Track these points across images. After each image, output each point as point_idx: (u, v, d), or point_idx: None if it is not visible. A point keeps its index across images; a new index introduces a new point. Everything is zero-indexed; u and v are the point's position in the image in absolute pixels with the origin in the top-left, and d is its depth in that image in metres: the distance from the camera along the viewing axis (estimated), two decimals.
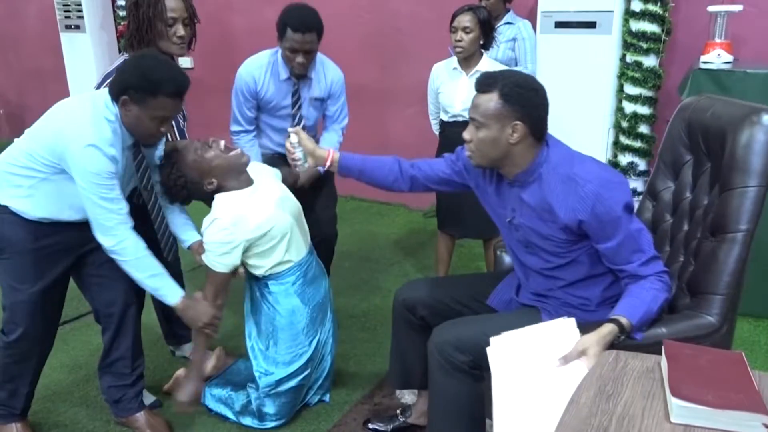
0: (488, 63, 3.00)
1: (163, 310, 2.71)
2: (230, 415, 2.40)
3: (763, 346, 2.86)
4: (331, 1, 4.72)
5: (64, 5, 5.47)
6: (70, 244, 2.12)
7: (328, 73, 2.82)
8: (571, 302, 1.86)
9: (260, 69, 2.71)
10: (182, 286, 2.68)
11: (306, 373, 2.34)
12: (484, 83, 1.74)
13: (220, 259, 2.13)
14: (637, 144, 3.56)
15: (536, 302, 1.92)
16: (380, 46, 4.68)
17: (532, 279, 1.92)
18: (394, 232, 4.39)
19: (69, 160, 1.92)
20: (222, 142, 2.17)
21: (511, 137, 1.72)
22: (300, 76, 2.71)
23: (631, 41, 3.45)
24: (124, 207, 1.99)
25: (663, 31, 3.42)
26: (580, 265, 1.81)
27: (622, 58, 3.53)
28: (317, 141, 2.79)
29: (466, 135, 1.78)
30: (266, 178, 2.31)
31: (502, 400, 1.55)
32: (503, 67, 2.97)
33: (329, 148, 2.09)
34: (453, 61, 3.05)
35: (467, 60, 2.98)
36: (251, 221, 2.12)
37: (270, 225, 2.15)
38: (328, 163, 2.03)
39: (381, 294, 3.44)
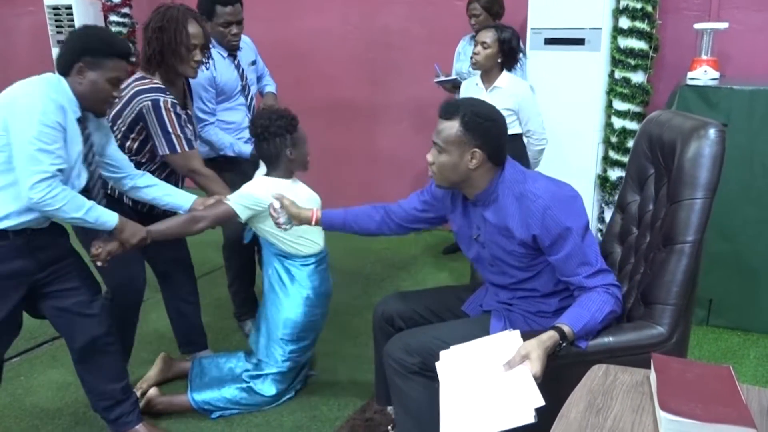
0: (507, 80, 3.07)
1: (177, 319, 2.83)
2: (232, 405, 2.52)
3: (752, 360, 2.87)
4: (321, 16, 4.77)
5: (56, 20, 5.47)
6: (23, 269, 2.06)
7: (243, 38, 3.05)
8: (530, 310, 1.96)
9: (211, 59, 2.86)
10: (196, 291, 2.84)
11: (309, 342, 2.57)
12: (447, 110, 1.84)
13: (242, 201, 2.37)
14: (626, 159, 3.58)
15: (494, 308, 2.01)
16: (371, 62, 4.71)
17: (499, 291, 2.02)
18: (386, 248, 4.39)
19: (16, 113, 1.91)
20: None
21: (470, 163, 1.83)
22: (235, 48, 2.95)
23: (620, 58, 3.49)
24: (59, 164, 1.95)
25: (651, 47, 3.46)
26: (544, 277, 1.90)
27: (611, 75, 3.57)
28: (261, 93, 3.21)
29: (429, 157, 1.89)
30: (301, 183, 2.58)
31: (448, 404, 1.62)
32: (523, 85, 3.10)
33: (313, 208, 2.23)
34: (477, 77, 3.18)
35: (487, 75, 3.09)
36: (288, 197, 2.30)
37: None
38: (313, 222, 2.19)
39: (372, 309, 3.42)
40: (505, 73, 3.10)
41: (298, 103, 5.00)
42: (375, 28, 4.63)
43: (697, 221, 1.79)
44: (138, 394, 2.50)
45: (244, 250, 3.03)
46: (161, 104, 2.35)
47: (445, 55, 3.94)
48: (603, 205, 3.74)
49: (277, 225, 2.21)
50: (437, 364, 1.76)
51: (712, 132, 1.80)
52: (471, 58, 3.08)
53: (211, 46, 2.81)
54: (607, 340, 1.79)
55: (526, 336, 1.77)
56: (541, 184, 1.83)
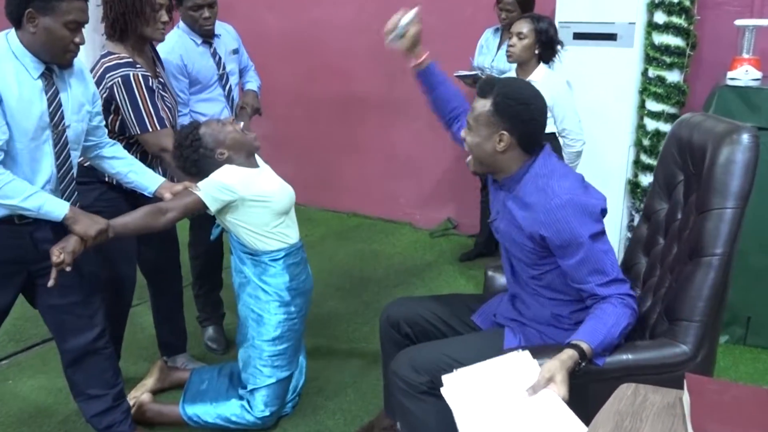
0: (543, 74, 3.06)
1: (164, 321, 2.86)
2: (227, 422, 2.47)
3: None
4: (337, 9, 4.78)
5: None
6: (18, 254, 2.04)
7: (223, 25, 3.09)
8: (542, 319, 1.95)
9: (181, 46, 2.88)
10: (181, 303, 2.84)
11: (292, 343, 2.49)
12: (483, 87, 1.86)
13: (211, 191, 2.26)
14: None
15: (508, 321, 2.01)
16: (387, 55, 4.68)
17: (512, 285, 2.04)
18: (399, 252, 4.38)
19: None
20: (242, 124, 2.40)
21: (498, 145, 1.84)
22: (210, 33, 2.96)
23: (654, 55, 3.46)
24: None
25: (688, 45, 3.43)
26: (553, 279, 1.90)
27: (644, 73, 3.54)
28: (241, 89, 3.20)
29: (462, 133, 1.93)
30: (270, 171, 2.48)
31: (467, 429, 1.58)
32: (559, 80, 3.09)
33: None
34: (512, 71, 3.18)
35: (522, 68, 3.09)
36: (256, 185, 2.32)
37: (271, 196, 2.35)
38: (423, 57, 2.24)
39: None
40: (542, 66, 3.09)
41: (308, 96, 5.05)
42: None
43: (726, 232, 1.76)
44: (131, 403, 2.50)
45: (211, 248, 3.03)
46: (131, 79, 2.35)
47: (466, 49, 3.92)
48: (633, 212, 3.70)
49: (393, 27, 2.21)
50: (442, 390, 1.72)
51: (745, 137, 1.78)
52: (507, 50, 3.08)
53: (181, 33, 2.90)
54: (626, 357, 1.77)
55: (541, 349, 1.75)
56: (565, 184, 1.81)
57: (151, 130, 2.39)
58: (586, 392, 1.66)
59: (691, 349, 1.76)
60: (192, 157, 2.31)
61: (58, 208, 1.99)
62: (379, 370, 2.89)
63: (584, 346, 1.69)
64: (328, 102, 5.00)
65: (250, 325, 2.45)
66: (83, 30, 2.02)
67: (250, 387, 2.45)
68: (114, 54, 2.40)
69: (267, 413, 2.45)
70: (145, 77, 2.39)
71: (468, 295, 2.38)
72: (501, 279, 2.28)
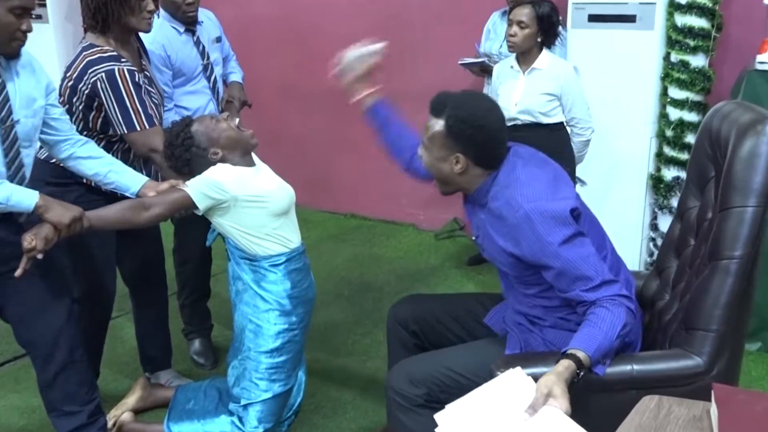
0: (547, 60, 3.10)
1: (147, 334, 2.87)
2: None
3: None
4: None
5: None
6: None
7: (204, 11, 3.11)
8: (545, 322, 1.99)
9: (162, 36, 2.88)
10: (167, 301, 2.86)
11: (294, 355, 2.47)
12: (434, 106, 1.91)
13: (201, 188, 2.24)
14: (684, 156, 3.56)
15: (514, 326, 2.05)
16: (386, 44, 4.70)
17: (509, 296, 2.10)
18: (401, 256, 4.39)
19: None
20: (237, 120, 2.37)
21: (455, 167, 1.91)
22: (193, 21, 2.97)
23: (677, 38, 3.46)
24: None
25: (713, 26, 3.43)
26: (546, 289, 1.92)
27: (666, 57, 3.54)
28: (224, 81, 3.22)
29: (419, 151, 1.99)
30: (267, 169, 2.48)
31: None
32: (566, 66, 3.13)
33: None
34: (512, 58, 3.19)
35: (524, 56, 3.12)
36: (251, 184, 2.30)
37: (268, 196, 2.32)
38: (368, 91, 2.28)
39: (385, 327, 3.41)
40: (545, 52, 3.11)
41: (300, 87, 5.05)
42: (391, 3, 4.64)
43: (746, 233, 1.74)
44: (111, 423, 2.51)
45: (198, 254, 3.05)
46: (116, 74, 2.33)
47: (471, 34, 3.93)
48: (656, 209, 3.71)
49: (340, 66, 2.24)
50: (437, 430, 1.68)
51: None
52: (506, 40, 3.10)
53: (162, 22, 2.89)
54: (630, 368, 1.77)
55: (540, 357, 1.78)
56: (529, 191, 1.83)
57: (138, 128, 2.39)
58: (588, 404, 1.67)
59: (705, 362, 1.75)
60: (184, 156, 2.30)
61: (27, 198, 2.00)
62: (381, 383, 2.89)
63: (581, 354, 1.70)
64: (322, 94, 4.97)
65: (246, 336, 2.44)
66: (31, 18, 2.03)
67: (243, 402, 2.44)
68: (96, 47, 2.38)
69: (260, 430, 2.44)
70: (131, 72, 2.38)
71: (482, 294, 2.41)
72: None
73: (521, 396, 1.65)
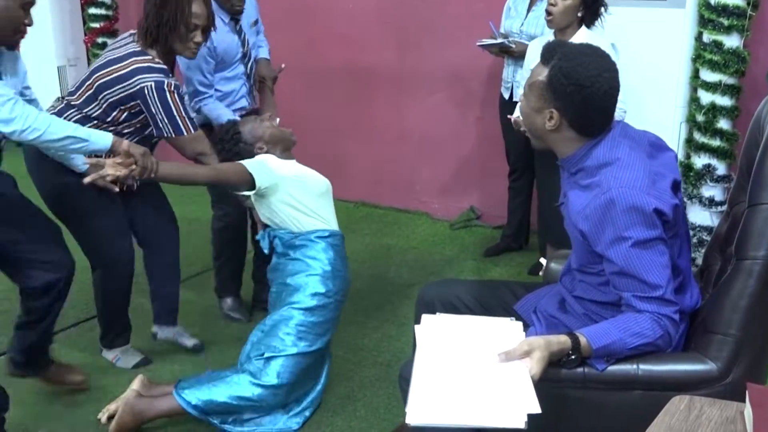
0: (585, 38, 3.01)
1: (161, 288, 3.13)
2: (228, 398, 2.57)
3: None
4: None
5: None
6: None
7: None
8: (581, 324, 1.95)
9: None
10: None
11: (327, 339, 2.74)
12: (545, 52, 1.86)
13: (254, 164, 2.57)
14: (716, 142, 3.54)
15: (546, 317, 2.05)
16: (399, 22, 4.70)
17: (562, 281, 2.09)
18: (415, 246, 4.39)
19: None
20: (278, 120, 2.80)
21: (547, 122, 1.86)
22: (240, 12, 3.20)
23: (710, 16, 3.43)
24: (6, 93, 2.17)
25: (749, 4, 3.40)
26: (600, 285, 1.90)
27: (698, 38, 3.52)
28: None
29: (519, 97, 2.00)
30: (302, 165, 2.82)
31: (421, 380, 1.64)
32: (604, 43, 3.03)
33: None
34: (549, 35, 3.18)
35: (562, 33, 3.10)
36: (291, 169, 2.68)
37: (307, 176, 2.71)
38: None
39: (397, 322, 3.43)
40: (583, 29, 3.09)
41: (309, 68, 5.05)
42: None
43: None
44: (104, 418, 2.58)
45: (235, 211, 3.30)
46: (165, 87, 2.63)
47: (489, 12, 3.90)
48: (685, 199, 3.69)
49: None
50: (416, 327, 1.82)
51: None
52: (546, 14, 3.08)
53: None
54: (633, 367, 1.75)
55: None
56: (624, 175, 1.76)
57: (185, 133, 2.72)
58: (582, 397, 1.71)
59: (719, 368, 1.74)
60: (233, 150, 2.68)
61: (104, 136, 2.36)
62: (392, 382, 2.90)
63: (583, 340, 1.72)
64: (330, 76, 4.99)
65: (285, 294, 2.68)
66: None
67: (267, 354, 2.59)
68: (147, 56, 2.67)
69: (276, 382, 2.55)
70: (177, 86, 2.69)
71: (513, 282, 2.41)
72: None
73: (505, 342, 1.71)
